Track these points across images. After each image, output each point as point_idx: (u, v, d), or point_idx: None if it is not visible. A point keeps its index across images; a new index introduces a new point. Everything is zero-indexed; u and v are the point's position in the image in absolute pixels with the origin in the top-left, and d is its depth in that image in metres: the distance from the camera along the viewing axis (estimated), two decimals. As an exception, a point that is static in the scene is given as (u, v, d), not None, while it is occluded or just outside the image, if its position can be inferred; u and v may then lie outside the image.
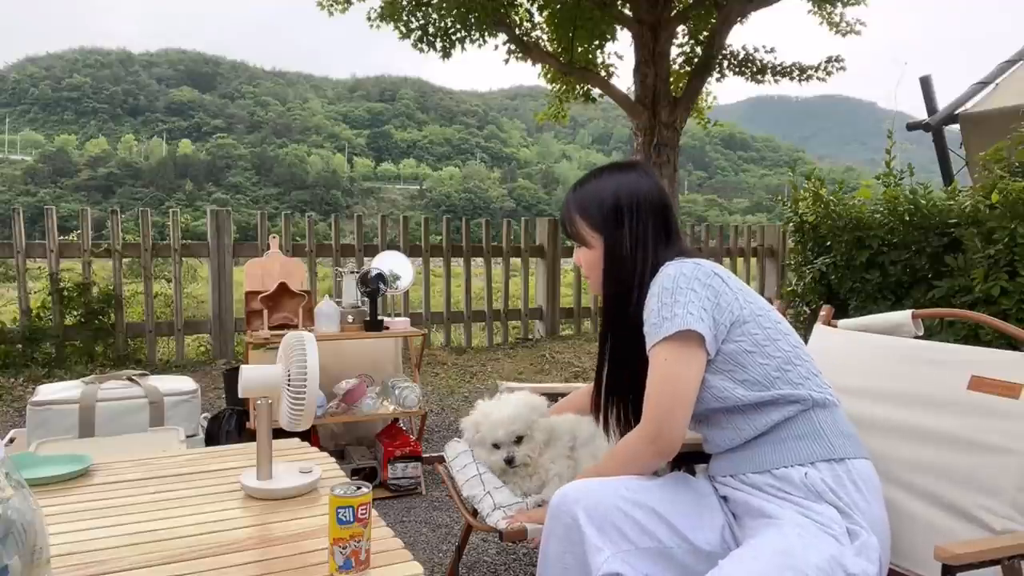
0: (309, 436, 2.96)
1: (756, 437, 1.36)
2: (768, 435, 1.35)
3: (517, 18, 8.07)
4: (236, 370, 3.55)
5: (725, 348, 1.36)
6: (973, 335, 2.59)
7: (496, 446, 1.83)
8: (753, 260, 7.84)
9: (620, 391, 1.56)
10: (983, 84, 5.21)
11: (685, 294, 1.34)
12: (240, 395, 1.55)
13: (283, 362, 1.56)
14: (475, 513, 1.87)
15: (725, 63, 8.25)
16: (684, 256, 1.46)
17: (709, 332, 1.33)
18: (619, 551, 1.28)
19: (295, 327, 3.11)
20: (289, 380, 1.53)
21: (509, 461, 1.81)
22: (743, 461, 1.39)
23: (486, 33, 7.64)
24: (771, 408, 1.34)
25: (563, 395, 2.54)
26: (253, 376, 1.54)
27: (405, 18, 7.64)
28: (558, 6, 7.82)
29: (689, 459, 1.69)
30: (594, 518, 1.31)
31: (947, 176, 5.28)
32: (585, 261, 1.55)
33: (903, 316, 1.71)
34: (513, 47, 7.87)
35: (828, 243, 3.29)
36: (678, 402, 1.32)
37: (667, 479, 1.45)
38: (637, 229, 1.47)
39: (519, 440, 1.82)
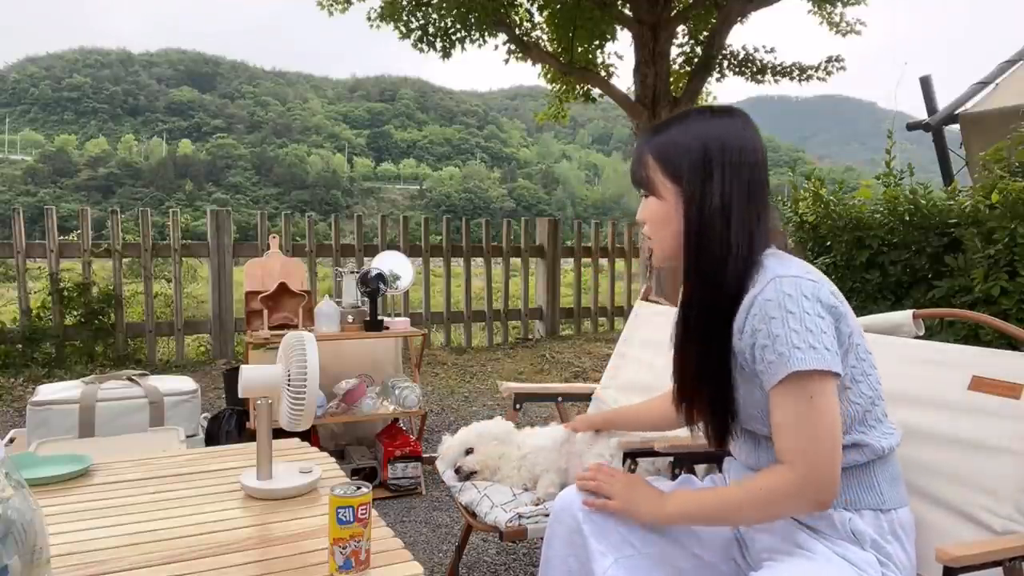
0: (309, 436, 2.96)
1: None
2: None
3: (517, 18, 8.06)
4: (236, 370, 3.55)
5: None
6: (973, 335, 2.59)
7: (456, 470, 2.00)
8: (753, 260, 7.84)
9: (709, 398, 1.27)
10: (983, 84, 5.21)
11: (816, 322, 1.12)
12: (240, 395, 1.55)
13: (283, 362, 1.56)
14: (475, 515, 1.88)
15: (725, 63, 8.25)
16: (776, 242, 1.24)
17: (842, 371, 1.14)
18: (622, 556, 1.27)
19: (295, 327, 3.11)
20: (289, 380, 1.53)
21: (458, 471, 1.98)
22: None
23: (486, 33, 7.63)
24: None
25: (563, 395, 2.54)
26: (253, 376, 1.53)
27: (405, 18, 7.64)
28: (558, 6, 7.82)
29: (691, 459, 1.69)
30: (596, 523, 1.31)
31: (947, 176, 5.28)
32: (650, 215, 1.28)
33: (903, 316, 1.70)
34: (513, 47, 7.87)
35: (828, 243, 3.29)
36: (836, 447, 1.13)
37: (672, 486, 1.43)
38: (728, 187, 1.19)
39: (469, 451, 2.00)
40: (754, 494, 1.17)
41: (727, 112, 1.26)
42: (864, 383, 1.20)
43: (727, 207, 1.19)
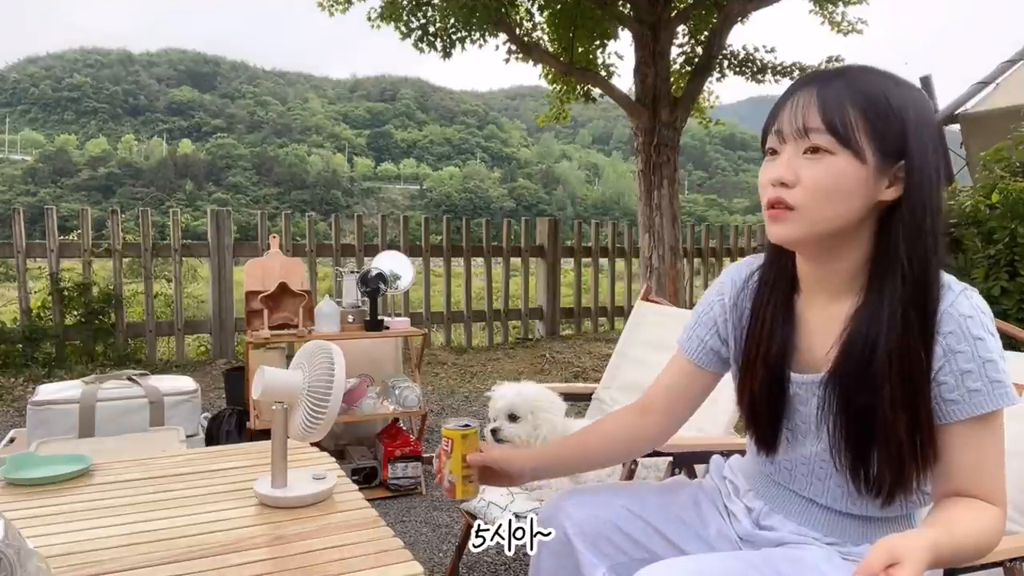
0: (309, 436, 2.96)
1: (876, 518, 1.12)
2: (892, 520, 1.12)
3: (517, 18, 8.06)
4: (236, 370, 3.55)
5: None
6: (973, 335, 2.58)
7: (493, 431, 1.90)
8: (753, 260, 7.84)
9: (868, 437, 1.05)
10: (983, 84, 5.22)
11: (1000, 349, 1.00)
12: (255, 396, 1.48)
13: (303, 369, 1.50)
14: (475, 516, 1.88)
15: (725, 63, 8.25)
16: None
17: None
18: (615, 564, 1.23)
19: (295, 327, 3.11)
20: (309, 389, 1.47)
21: (494, 432, 1.88)
22: (822, 523, 1.16)
23: (486, 33, 7.63)
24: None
25: (565, 395, 2.55)
26: (274, 379, 1.44)
27: (405, 18, 7.64)
28: (558, 6, 7.82)
29: (690, 459, 1.68)
30: (586, 532, 1.25)
31: (947, 176, 5.28)
32: (834, 178, 0.98)
33: (904, 316, 1.70)
34: (513, 47, 7.87)
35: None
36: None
37: (664, 486, 1.41)
38: (934, 170, 1.00)
39: (513, 418, 1.90)
40: (971, 531, 1.00)
41: (912, 86, 1.05)
42: None
43: (938, 195, 1.02)
